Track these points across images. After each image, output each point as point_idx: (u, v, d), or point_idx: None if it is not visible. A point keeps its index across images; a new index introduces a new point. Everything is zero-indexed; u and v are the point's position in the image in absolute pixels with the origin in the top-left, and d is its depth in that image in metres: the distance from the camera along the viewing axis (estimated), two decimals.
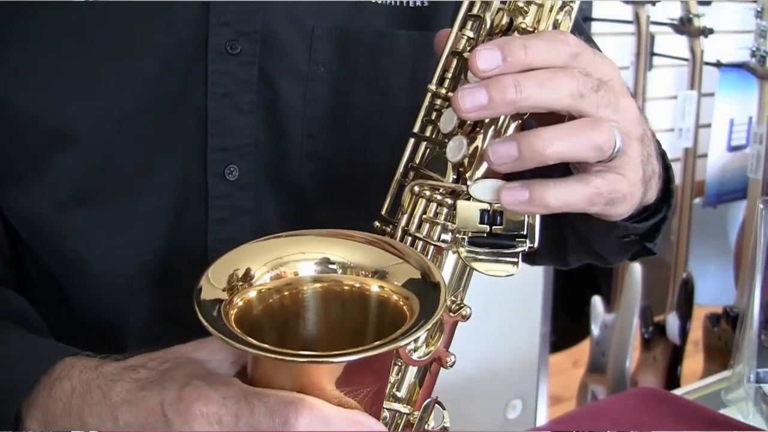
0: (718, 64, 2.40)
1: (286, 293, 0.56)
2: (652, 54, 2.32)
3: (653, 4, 2.23)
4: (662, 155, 0.70)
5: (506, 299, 2.02)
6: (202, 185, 0.74)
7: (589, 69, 0.56)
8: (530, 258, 0.88)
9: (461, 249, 0.57)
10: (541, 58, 0.54)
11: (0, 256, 0.76)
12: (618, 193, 0.58)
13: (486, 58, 0.54)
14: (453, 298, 0.59)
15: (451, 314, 0.57)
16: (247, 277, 0.55)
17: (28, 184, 0.72)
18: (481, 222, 0.56)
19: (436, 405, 0.61)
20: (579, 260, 0.83)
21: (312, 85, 0.75)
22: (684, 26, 2.26)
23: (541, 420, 2.15)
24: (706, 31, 2.25)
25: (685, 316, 2.34)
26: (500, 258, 0.57)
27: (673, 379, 2.35)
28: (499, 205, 0.56)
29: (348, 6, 0.75)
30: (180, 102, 0.73)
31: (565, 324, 2.48)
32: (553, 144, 0.54)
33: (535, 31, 0.59)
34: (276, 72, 0.74)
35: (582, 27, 0.91)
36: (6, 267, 0.77)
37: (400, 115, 0.64)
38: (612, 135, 0.55)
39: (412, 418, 0.60)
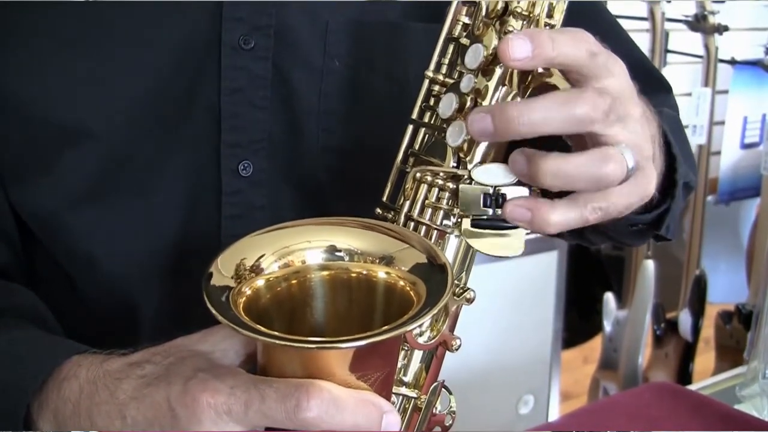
0: (732, 62, 2.39)
1: (293, 281, 0.56)
2: (667, 51, 2.32)
3: (668, 1, 2.22)
4: (667, 145, 0.70)
5: (519, 295, 2.02)
6: (215, 181, 0.74)
7: (605, 68, 0.56)
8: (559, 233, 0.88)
9: (464, 230, 0.58)
10: (565, 54, 0.54)
11: (12, 251, 0.76)
12: (619, 206, 0.58)
13: (518, 47, 0.54)
14: (456, 281, 0.59)
15: (455, 298, 0.57)
16: (255, 266, 0.55)
17: (40, 181, 0.72)
18: (484, 205, 0.57)
19: (443, 389, 0.61)
20: (602, 242, 0.83)
21: (327, 78, 0.75)
22: (698, 23, 2.25)
23: (553, 415, 2.15)
24: (721, 29, 2.25)
25: (698, 313, 2.34)
26: (503, 239, 0.57)
27: (684, 376, 2.35)
28: (501, 188, 0.56)
29: None
30: (192, 98, 0.72)
31: (575, 321, 2.48)
32: (558, 178, 0.54)
33: (531, 15, 0.60)
34: (290, 67, 0.74)
35: (602, 7, 0.90)
36: (18, 262, 0.76)
37: None
38: (623, 164, 0.55)
39: (419, 402, 0.60)
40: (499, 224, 0.57)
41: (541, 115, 0.54)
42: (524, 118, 0.53)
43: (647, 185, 0.60)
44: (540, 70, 0.59)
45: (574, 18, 0.62)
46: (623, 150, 0.55)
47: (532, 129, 0.54)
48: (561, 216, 0.56)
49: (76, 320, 0.75)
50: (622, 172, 0.55)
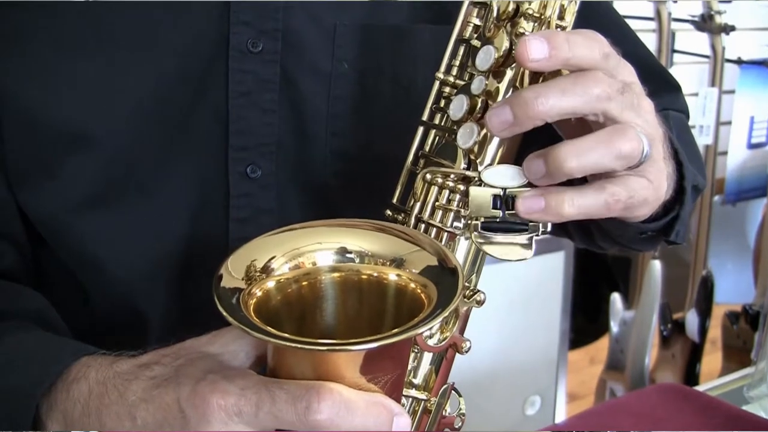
0: (738, 62, 2.39)
1: (304, 283, 0.56)
2: (673, 51, 2.31)
3: (674, 0, 2.22)
4: (675, 153, 0.70)
5: (525, 296, 2.01)
6: (222, 184, 0.74)
7: (616, 70, 0.56)
8: (569, 236, 0.87)
9: (474, 234, 0.57)
10: (580, 54, 0.55)
11: (19, 254, 0.76)
12: (638, 197, 0.58)
13: (535, 48, 0.54)
14: (467, 284, 0.59)
15: (466, 300, 0.57)
16: (265, 267, 0.55)
17: (45, 185, 0.72)
18: (494, 207, 0.57)
19: (453, 391, 0.61)
20: (611, 247, 0.83)
21: (335, 82, 0.75)
22: (705, 23, 2.25)
23: (560, 416, 2.15)
24: (727, 28, 2.24)
25: (705, 313, 2.33)
26: (514, 242, 0.57)
27: (691, 377, 2.35)
28: (511, 190, 0.56)
29: (369, 2, 0.75)
30: (200, 101, 0.72)
31: (582, 321, 2.47)
32: (578, 158, 0.54)
33: (542, 17, 0.60)
34: (298, 70, 0.74)
35: (610, 7, 0.90)
36: (25, 265, 0.76)
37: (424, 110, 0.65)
38: (640, 141, 0.55)
39: (429, 405, 0.60)
40: (510, 227, 0.57)
41: (558, 91, 0.54)
42: (541, 98, 0.53)
43: (660, 183, 0.60)
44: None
45: (581, 18, 0.62)
46: (639, 132, 0.55)
47: (551, 108, 0.54)
48: (577, 197, 0.55)
49: (85, 324, 0.75)
50: (639, 149, 0.55)
